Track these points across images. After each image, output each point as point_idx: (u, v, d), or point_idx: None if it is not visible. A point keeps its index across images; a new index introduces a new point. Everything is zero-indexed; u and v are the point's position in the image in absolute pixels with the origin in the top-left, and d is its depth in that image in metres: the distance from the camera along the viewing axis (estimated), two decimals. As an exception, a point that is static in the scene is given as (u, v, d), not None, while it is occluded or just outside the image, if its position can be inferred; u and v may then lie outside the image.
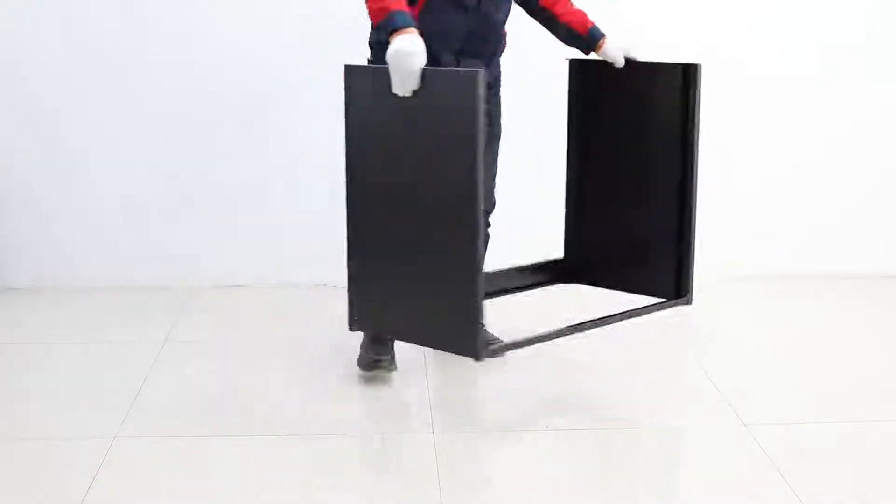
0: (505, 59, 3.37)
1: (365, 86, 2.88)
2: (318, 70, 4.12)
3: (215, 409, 3.29)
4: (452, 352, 2.98)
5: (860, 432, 3.15)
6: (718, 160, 4.22)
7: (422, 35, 2.85)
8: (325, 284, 4.33)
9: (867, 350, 3.77)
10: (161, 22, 4.18)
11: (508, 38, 3.32)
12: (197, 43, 4.19)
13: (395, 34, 2.83)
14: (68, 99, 4.22)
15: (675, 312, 3.98)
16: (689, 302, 3.30)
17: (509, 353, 3.39)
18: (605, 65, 3.28)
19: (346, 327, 3.09)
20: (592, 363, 3.61)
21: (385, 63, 2.81)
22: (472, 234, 2.73)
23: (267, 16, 4.19)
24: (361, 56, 3.24)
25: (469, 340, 2.80)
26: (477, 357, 2.85)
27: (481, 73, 2.67)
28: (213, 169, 4.30)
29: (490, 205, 3.41)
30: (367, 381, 3.45)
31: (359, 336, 3.47)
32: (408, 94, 2.77)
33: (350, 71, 2.92)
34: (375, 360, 3.42)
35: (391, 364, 3.44)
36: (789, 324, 4.03)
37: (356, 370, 3.48)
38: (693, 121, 3.16)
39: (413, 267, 2.91)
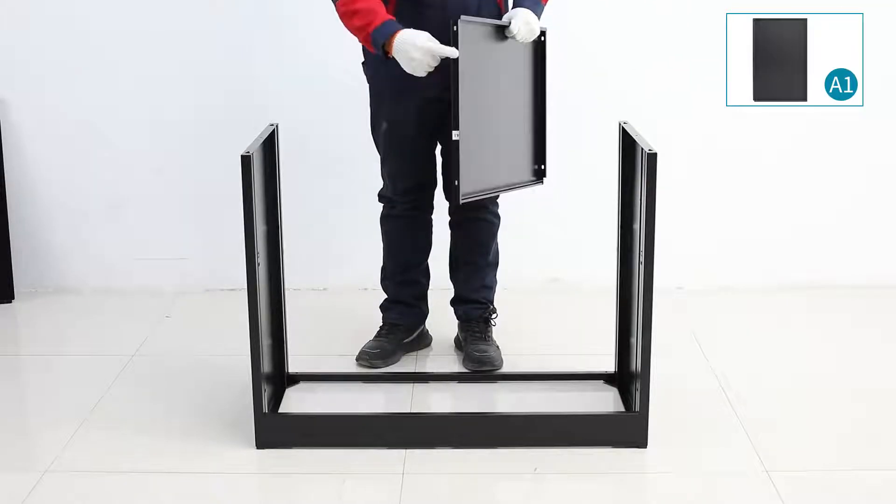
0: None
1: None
2: (313, 70, 4.10)
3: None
4: None
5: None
6: (721, 164, 4.24)
7: None
8: (324, 289, 4.31)
9: (864, 354, 3.71)
10: (152, 19, 4.11)
11: None
12: (186, 41, 4.12)
13: (392, 38, 3.04)
14: (50, 97, 4.17)
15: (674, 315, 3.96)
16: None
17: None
18: None
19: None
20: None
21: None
22: None
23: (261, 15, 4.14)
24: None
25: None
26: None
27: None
28: (203, 168, 4.21)
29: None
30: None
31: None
32: (423, 72, 3.04)
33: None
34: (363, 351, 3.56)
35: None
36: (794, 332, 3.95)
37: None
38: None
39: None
